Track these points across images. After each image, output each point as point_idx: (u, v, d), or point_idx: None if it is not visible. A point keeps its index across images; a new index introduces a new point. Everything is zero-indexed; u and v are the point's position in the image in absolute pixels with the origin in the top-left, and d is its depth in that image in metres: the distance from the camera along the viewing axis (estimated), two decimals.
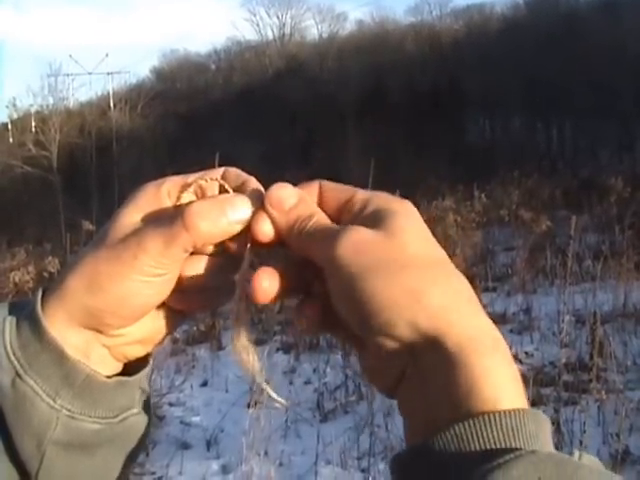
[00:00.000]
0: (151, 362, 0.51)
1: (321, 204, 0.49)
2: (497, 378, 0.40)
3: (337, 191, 0.49)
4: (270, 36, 32.40)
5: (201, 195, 0.50)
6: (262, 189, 0.49)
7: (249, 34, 34.17)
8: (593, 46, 17.16)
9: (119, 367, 0.50)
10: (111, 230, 0.47)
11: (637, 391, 4.38)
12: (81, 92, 52.55)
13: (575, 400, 4.26)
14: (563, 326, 5.10)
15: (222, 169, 0.51)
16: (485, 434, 0.38)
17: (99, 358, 0.47)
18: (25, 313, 0.46)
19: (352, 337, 0.45)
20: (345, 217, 0.47)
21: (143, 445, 0.51)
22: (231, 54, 31.50)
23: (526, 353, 5.14)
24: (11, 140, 25.41)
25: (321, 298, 0.46)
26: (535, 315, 6.15)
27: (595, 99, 16.99)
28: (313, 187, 0.49)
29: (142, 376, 0.50)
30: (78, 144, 24.30)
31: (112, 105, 27.41)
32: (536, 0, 23.64)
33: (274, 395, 0.51)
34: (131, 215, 0.47)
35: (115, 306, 0.46)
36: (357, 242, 0.43)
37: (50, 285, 0.48)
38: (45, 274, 7.79)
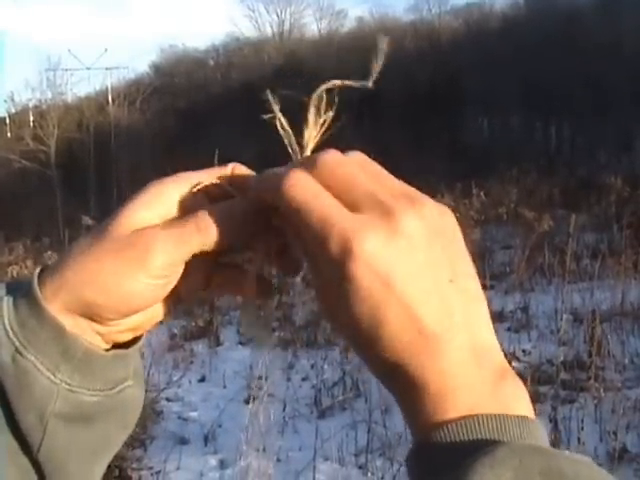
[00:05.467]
0: (144, 337, 0.52)
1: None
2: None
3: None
4: (269, 33, 32.37)
5: (209, 194, 0.50)
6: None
7: (248, 30, 34.17)
8: (592, 45, 17.16)
9: (107, 347, 0.51)
10: (116, 226, 0.47)
11: (635, 389, 4.39)
12: (79, 87, 52.55)
13: (573, 398, 4.28)
14: (561, 324, 5.13)
15: (230, 166, 0.51)
16: (474, 432, 0.40)
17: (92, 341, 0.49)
18: (22, 293, 0.47)
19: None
20: None
21: (138, 415, 0.53)
22: (230, 50, 31.43)
23: (524, 351, 5.14)
24: (9, 134, 25.35)
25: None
26: (533, 313, 6.16)
27: (594, 98, 17.00)
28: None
29: (136, 349, 0.51)
30: (76, 139, 24.25)
31: (110, 100, 27.35)
32: None
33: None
34: (137, 212, 0.47)
35: (115, 303, 0.47)
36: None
37: (47, 269, 0.48)
38: None
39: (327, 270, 0.42)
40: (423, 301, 0.41)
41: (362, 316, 0.42)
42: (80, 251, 0.47)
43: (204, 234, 0.47)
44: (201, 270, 0.50)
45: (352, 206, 0.42)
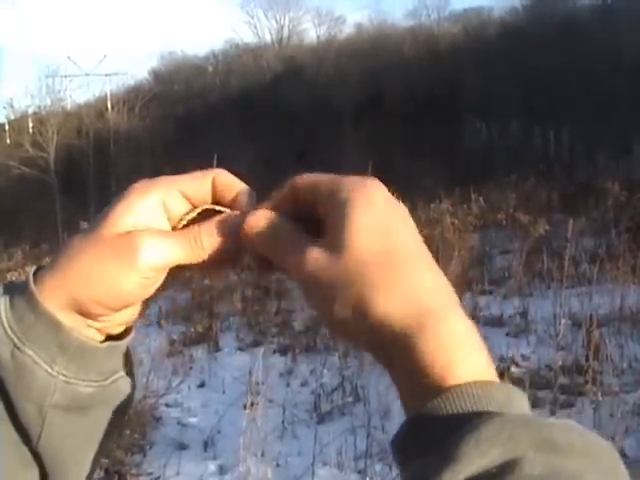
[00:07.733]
0: (134, 331, 0.55)
1: (299, 200, 0.51)
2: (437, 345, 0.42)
3: (306, 192, 0.51)
4: (268, 39, 32.47)
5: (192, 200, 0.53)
6: (253, 199, 0.53)
7: (247, 37, 34.22)
8: (590, 51, 17.21)
9: (102, 339, 0.53)
10: (106, 228, 0.50)
11: (632, 394, 4.39)
12: (79, 93, 52.62)
13: (571, 402, 4.28)
14: (559, 329, 5.13)
15: (212, 173, 0.53)
16: (456, 406, 0.40)
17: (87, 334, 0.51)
18: (18, 291, 0.49)
19: None
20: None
21: (130, 405, 0.55)
22: (229, 57, 31.47)
23: (522, 356, 5.14)
24: (8, 141, 25.39)
25: None
26: (531, 318, 6.16)
27: (592, 103, 17.03)
28: (285, 192, 0.52)
29: (127, 341, 0.54)
30: (75, 145, 24.28)
31: (110, 107, 27.40)
32: (534, 5, 23.70)
33: None
34: (124, 215, 0.50)
35: (107, 301, 0.49)
36: (312, 270, 0.46)
37: (42, 268, 0.50)
38: None
39: (333, 213, 0.47)
40: (422, 249, 0.46)
41: (370, 243, 0.45)
42: (74, 252, 0.49)
43: (199, 249, 0.51)
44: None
45: None
